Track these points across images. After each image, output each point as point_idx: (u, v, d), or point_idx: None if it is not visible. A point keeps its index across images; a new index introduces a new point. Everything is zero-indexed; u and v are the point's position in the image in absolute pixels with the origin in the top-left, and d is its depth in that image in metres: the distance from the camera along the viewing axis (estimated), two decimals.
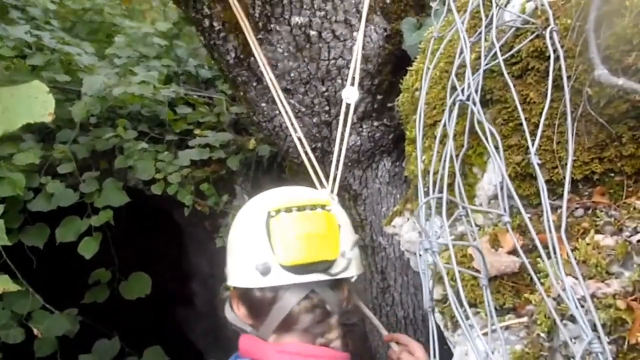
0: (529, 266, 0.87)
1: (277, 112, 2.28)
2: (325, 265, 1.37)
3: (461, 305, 0.90)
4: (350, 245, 1.43)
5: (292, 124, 2.09)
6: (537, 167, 0.91)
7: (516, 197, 0.95)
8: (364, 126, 2.28)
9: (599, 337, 0.71)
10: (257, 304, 1.40)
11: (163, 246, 4.37)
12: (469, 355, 0.98)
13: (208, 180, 3.18)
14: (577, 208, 1.06)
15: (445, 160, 1.10)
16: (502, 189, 1.01)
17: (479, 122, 1.11)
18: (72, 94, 3.44)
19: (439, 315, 1.21)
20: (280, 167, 3.27)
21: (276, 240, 1.36)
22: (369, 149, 2.33)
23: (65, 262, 3.18)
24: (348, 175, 2.45)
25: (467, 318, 0.89)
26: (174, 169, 3.07)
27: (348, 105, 2.08)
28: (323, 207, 1.41)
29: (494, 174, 1.23)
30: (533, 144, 0.95)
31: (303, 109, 2.21)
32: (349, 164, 2.39)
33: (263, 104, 2.29)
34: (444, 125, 1.20)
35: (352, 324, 1.67)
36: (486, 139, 1.08)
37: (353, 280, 1.48)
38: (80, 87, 3.17)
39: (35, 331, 2.77)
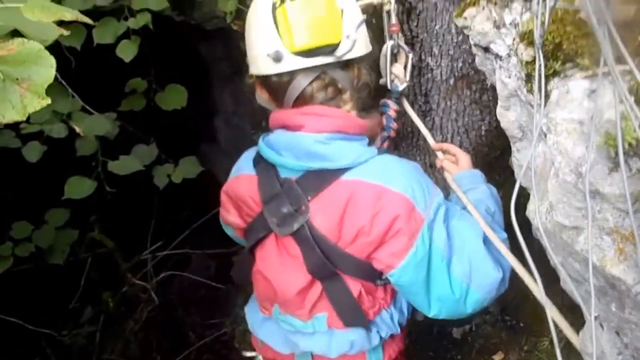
0: None
1: None
2: (330, 48, 1.48)
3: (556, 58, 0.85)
4: (355, 26, 1.51)
5: None
6: None
7: None
8: None
9: None
10: (276, 88, 1.57)
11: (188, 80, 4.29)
12: (570, 92, 0.94)
13: None
14: None
15: None
16: None
17: None
18: None
19: (521, 83, 1.17)
20: None
21: (282, 28, 1.47)
22: None
23: (104, 66, 3.15)
24: None
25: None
26: None
27: None
28: None
29: None
30: None
31: None
32: None
33: None
34: None
35: (370, 106, 1.80)
36: None
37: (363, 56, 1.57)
38: None
39: (77, 129, 2.82)
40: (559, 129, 0.92)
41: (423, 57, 2.46)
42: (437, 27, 2.35)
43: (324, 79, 1.53)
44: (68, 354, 4.44)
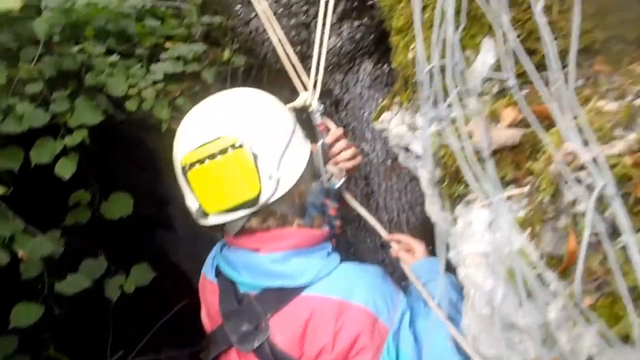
0: (538, 127, 0.86)
1: (253, 14, 2.19)
2: (250, 202, 1.46)
3: (459, 182, 0.90)
4: (277, 162, 1.48)
5: (270, 24, 2.01)
6: (541, 24, 0.87)
7: (526, 62, 0.92)
8: (344, 27, 2.21)
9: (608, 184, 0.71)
10: (216, 227, 1.58)
11: (137, 172, 4.27)
12: (472, 224, 0.98)
13: (183, 94, 3.09)
14: (578, 79, 1.05)
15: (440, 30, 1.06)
16: (505, 53, 0.98)
17: None
18: (31, 11, 3.25)
19: (436, 201, 1.21)
20: (256, 79, 3.19)
21: (198, 192, 1.49)
22: (350, 51, 2.28)
23: (45, 183, 3.11)
24: (329, 80, 2.41)
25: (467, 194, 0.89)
26: (147, 83, 2.96)
27: (326, 4, 1.98)
28: (233, 145, 1.44)
29: (488, 54, 1.20)
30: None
31: (280, 10, 2.14)
32: (329, 67, 2.34)
33: (237, 6, 2.21)
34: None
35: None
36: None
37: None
38: (39, 2, 3.00)
39: (20, 253, 2.74)
40: (467, 261, 0.94)
41: (357, 143, 2.54)
42: (365, 114, 2.44)
43: (261, 215, 1.53)
44: None
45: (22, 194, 2.93)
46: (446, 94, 1.08)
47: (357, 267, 1.59)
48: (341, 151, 1.78)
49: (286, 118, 1.60)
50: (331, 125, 1.89)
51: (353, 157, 1.79)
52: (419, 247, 1.81)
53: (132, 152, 4.03)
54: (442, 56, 1.25)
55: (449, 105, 1.12)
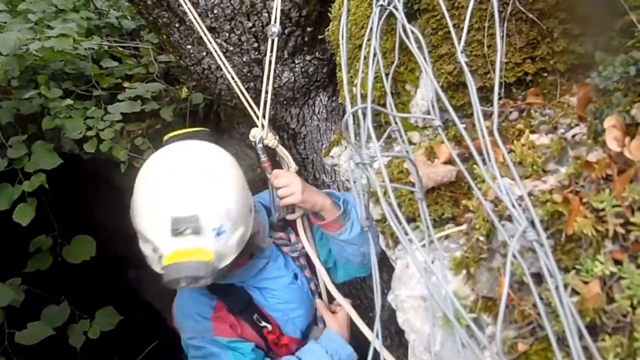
0: (464, 171, 0.85)
1: (205, 53, 2.17)
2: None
3: (399, 221, 0.88)
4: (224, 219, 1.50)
5: (223, 63, 1.99)
6: (464, 65, 0.87)
7: (448, 106, 0.91)
8: (296, 61, 2.20)
9: (533, 226, 0.69)
10: None
11: (104, 209, 4.21)
12: (410, 267, 0.96)
13: (143, 134, 3.05)
14: (511, 112, 1.04)
15: (373, 70, 1.05)
16: (432, 98, 0.98)
17: (405, 31, 1.06)
18: None
19: (381, 236, 1.19)
20: (216, 115, 3.17)
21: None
22: (304, 84, 2.26)
23: (3, 231, 3.03)
24: (285, 114, 2.39)
25: (406, 233, 0.86)
26: (105, 124, 2.91)
27: (272, 42, 1.96)
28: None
29: (426, 89, 1.19)
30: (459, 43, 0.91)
31: (231, 48, 2.12)
32: (285, 102, 2.32)
33: (189, 46, 2.18)
34: (369, 40, 1.14)
35: None
36: (416, 49, 1.04)
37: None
38: None
39: None
40: (406, 306, 0.91)
41: (317, 175, 2.52)
42: (323, 146, 2.42)
43: None
44: None
45: None
46: (383, 131, 1.06)
47: None
48: (279, 188, 1.81)
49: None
50: (289, 159, 1.92)
51: (289, 194, 1.79)
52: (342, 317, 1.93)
53: (99, 189, 3.96)
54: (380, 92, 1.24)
55: (386, 142, 1.11)
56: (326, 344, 1.85)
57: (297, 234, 1.98)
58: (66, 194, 3.51)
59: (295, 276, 1.99)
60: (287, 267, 1.98)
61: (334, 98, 2.38)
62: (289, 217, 1.93)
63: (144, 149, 2.95)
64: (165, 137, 1.69)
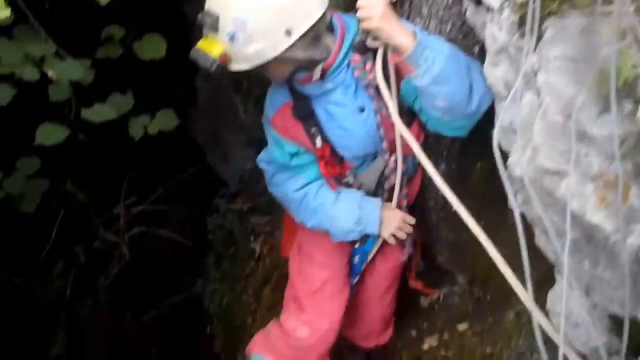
0: None
1: None
2: None
3: None
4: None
5: None
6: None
7: None
8: None
9: None
10: None
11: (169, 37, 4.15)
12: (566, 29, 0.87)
13: None
14: None
15: None
16: None
17: None
18: None
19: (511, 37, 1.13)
20: None
21: None
22: None
23: (80, 10, 3.03)
24: None
25: None
26: None
27: None
28: None
29: None
30: None
31: None
32: None
33: None
34: None
35: None
36: None
37: None
38: None
39: (50, 73, 2.71)
40: (551, 66, 0.89)
41: (412, 17, 2.40)
42: None
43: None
44: (37, 307, 4.39)
45: (57, 17, 2.86)
46: None
47: None
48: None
49: None
50: None
51: (366, 18, 1.79)
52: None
53: (169, 15, 3.90)
54: None
55: None
56: (366, 212, 2.16)
57: (374, 63, 1.92)
58: None
59: (362, 109, 2.02)
60: (356, 96, 2.00)
61: None
62: (369, 43, 1.88)
63: None
64: None
